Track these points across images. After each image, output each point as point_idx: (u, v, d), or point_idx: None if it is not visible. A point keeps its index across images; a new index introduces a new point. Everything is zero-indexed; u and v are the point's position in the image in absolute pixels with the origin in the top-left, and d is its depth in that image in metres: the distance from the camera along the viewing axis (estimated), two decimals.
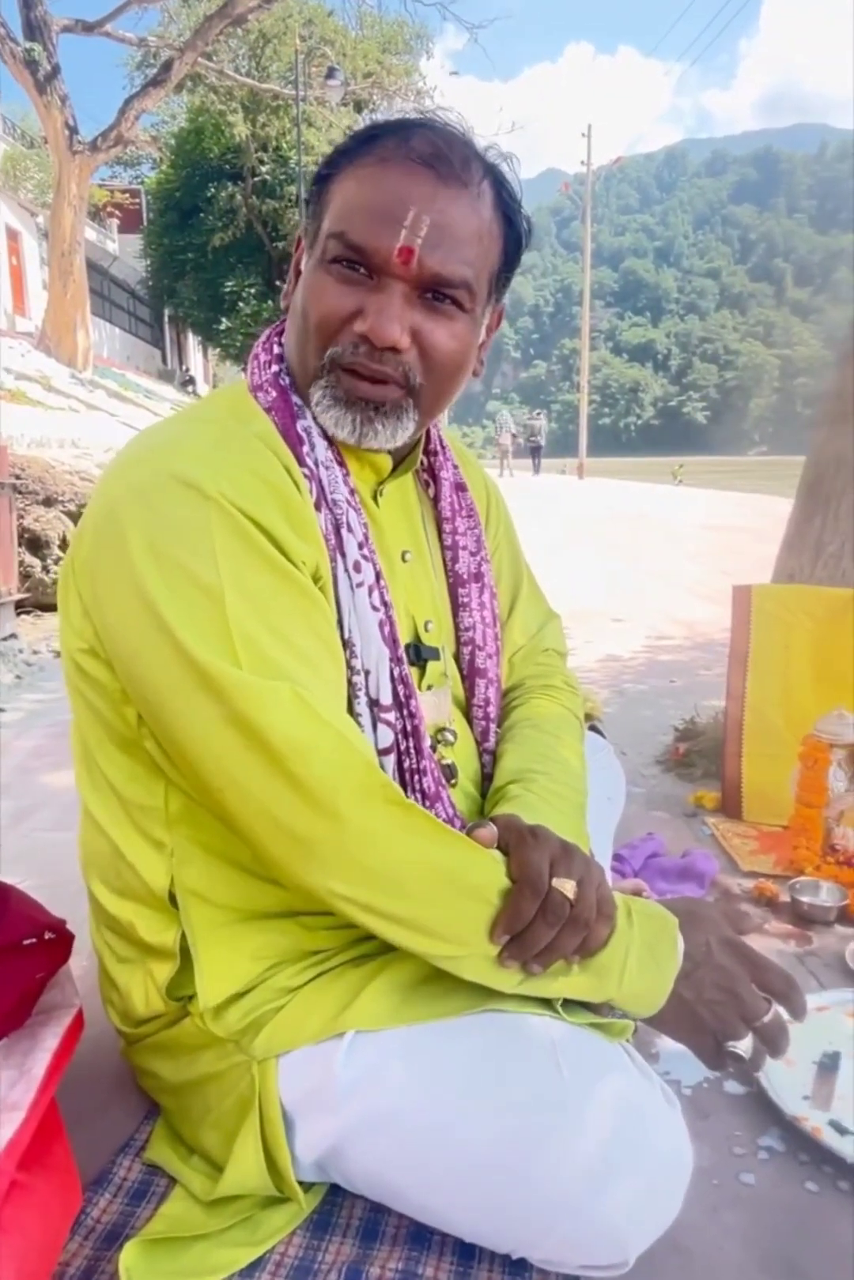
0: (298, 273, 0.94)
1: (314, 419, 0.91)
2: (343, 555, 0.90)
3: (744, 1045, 0.84)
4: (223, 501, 0.79)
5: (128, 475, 0.84)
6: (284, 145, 20.27)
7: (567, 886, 0.78)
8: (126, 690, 0.86)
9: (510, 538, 1.22)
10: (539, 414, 25.77)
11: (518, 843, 0.82)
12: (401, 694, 0.92)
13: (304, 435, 0.90)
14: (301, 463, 0.89)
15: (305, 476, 0.89)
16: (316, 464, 0.90)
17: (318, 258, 0.87)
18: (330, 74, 16.59)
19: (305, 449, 0.90)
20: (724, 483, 21.64)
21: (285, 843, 0.79)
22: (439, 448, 1.08)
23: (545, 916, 0.78)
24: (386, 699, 0.91)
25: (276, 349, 0.96)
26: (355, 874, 0.79)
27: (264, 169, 20.63)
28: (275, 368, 0.94)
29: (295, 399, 0.92)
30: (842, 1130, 1.05)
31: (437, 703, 1.02)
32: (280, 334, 0.98)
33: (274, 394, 0.92)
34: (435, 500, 1.08)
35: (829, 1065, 1.15)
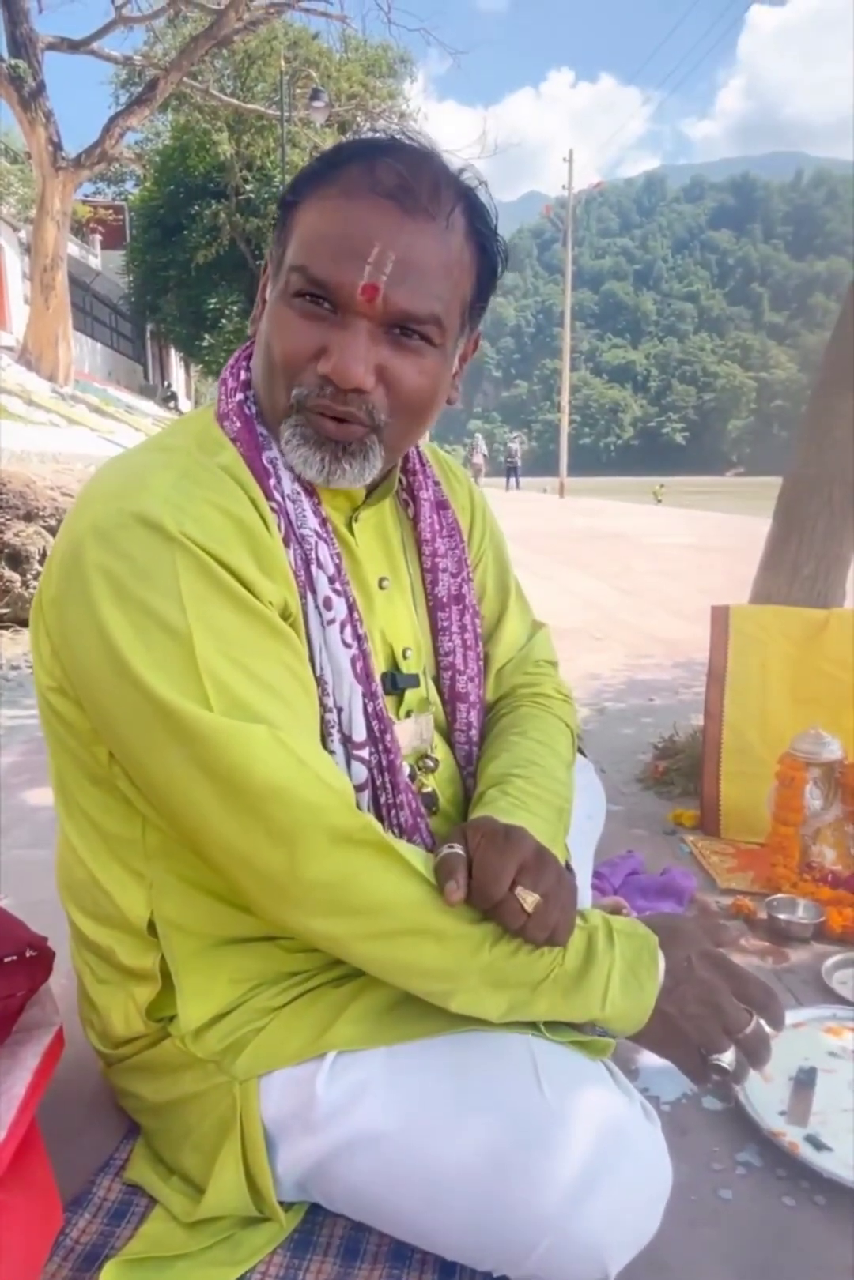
0: (264, 299, 0.91)
1: (279, 449, 0.89)
2: (313, 592, 0.88)
3: (727, 1057, 0.84)
4: (187, 542, 0.78)
5: (91, 514, 0.81)
6: (268, 164, 20.36)
7: (527, 900, 0.76)
8: (97, 731, 0.85)
9: (497, 549, 1.19)
10: (516, 436, 28.90)
11: (484, 844, 0.79)
12: (376, 729, 0.91)
13: (270, 468, 0.88)
14: (269, 496, 0.87)
15: (273, 510, 0.87)
16: (284, 497, 0.88)
17: (281, 290, 0.85)
18: (315, 95, 16.68)
19: (272, 482, 0.88)
20: (703, 503, 21.87)
21: (262, 885, 0.80)
22: (418, 467, 1.05)
23: (496, 917, 0.77)
24: (360, 736, 0.90)
25: (244, 376, 0.94)
26: (334, 914, 0.79)
27: (248, 187, 20.70)
28: (241, 396, 0.91)
29: (261, 429, 0.90)
30: (818, 1145, 1.06)
31: (418, 729, 1.01)
32: (249, 358, 0.95)
33: (239, 424, 0.89)
34: (415, 520, 1.05)
35: (806, 1081, 1.16)
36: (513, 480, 25.51)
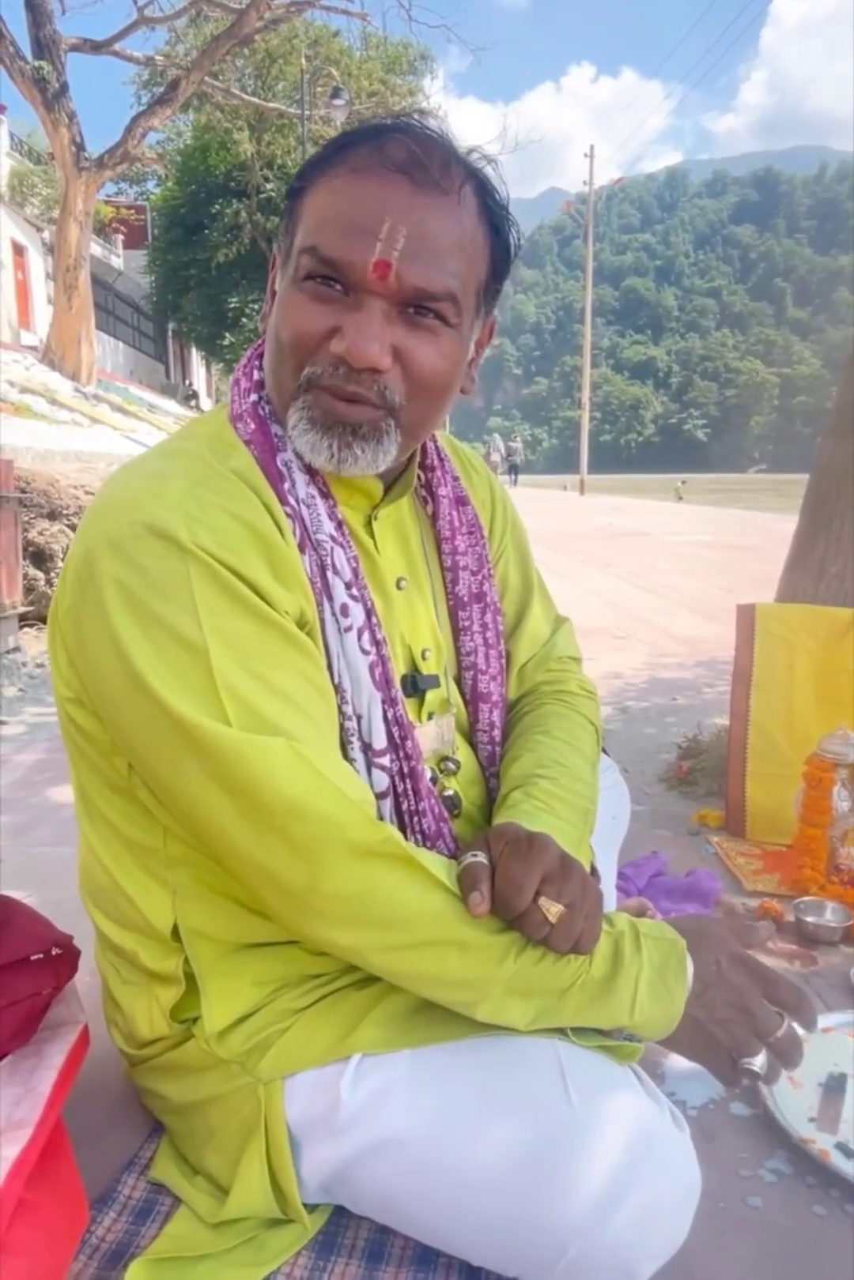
0: (273, 292, 0.89)
1: (294, 451, 0.87)
2: (329, 598, 0.87)
3: (758, 1061, 0.83)
4: (201, 553, 0.76)
5: (103, 524, 0.80)
6: (289, 163, 20.42)
7: (551, 910, 0.75)
8: (115, 743, 0.85)
9: (519, 544, 1.16)
10: (515, 436, 33.33)
11: (507, 853, 0.78)
12: (397, 736, 0.90)
13: (284, 471, 0.86)
14: (283, 500, 0.85)
15: (288, 515, 0.85)
16: (299, 501, 0.86)
17: (291, 275, 0.83)
18: (335, 94, 16.69)
19: (286, 486, 0.86)
20: (725, 500, 21.73)
21: (283, 897, 0.79)
22: (437, 462, 1.03)
23: (519, 928, 0.77)
24: (381, 743, 0.89)
25: (257, 375, 0.92)
26: (357, 926, 0.78)
27: (269, 186, 20.78)
28: (254, 396, 0.90)
29: (275, 429, 0.88)
30: (849, 1153, 1.04)
31: (439, 731, 0.99)
32: (262, 357, 0.92)
33: (253, 426, 0.88)
34: (434, 517, 1.03)
35: (835, 1087, 1.14)
36: (513, 478, 27.46)
